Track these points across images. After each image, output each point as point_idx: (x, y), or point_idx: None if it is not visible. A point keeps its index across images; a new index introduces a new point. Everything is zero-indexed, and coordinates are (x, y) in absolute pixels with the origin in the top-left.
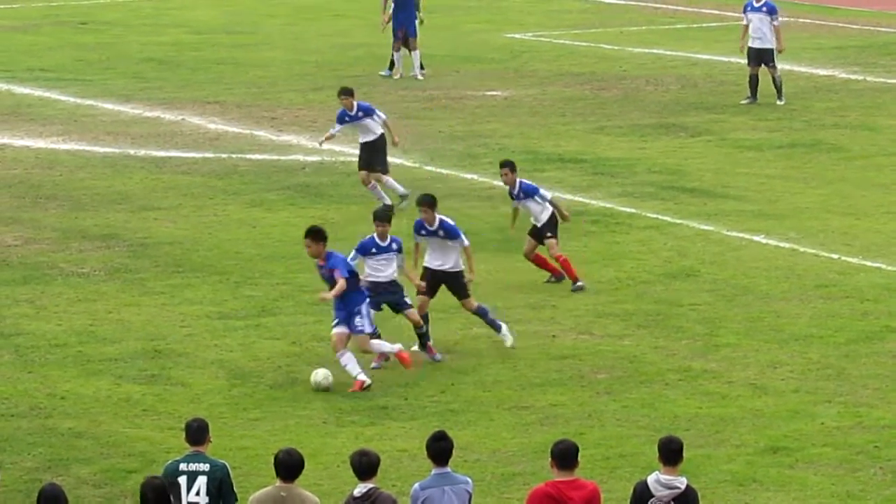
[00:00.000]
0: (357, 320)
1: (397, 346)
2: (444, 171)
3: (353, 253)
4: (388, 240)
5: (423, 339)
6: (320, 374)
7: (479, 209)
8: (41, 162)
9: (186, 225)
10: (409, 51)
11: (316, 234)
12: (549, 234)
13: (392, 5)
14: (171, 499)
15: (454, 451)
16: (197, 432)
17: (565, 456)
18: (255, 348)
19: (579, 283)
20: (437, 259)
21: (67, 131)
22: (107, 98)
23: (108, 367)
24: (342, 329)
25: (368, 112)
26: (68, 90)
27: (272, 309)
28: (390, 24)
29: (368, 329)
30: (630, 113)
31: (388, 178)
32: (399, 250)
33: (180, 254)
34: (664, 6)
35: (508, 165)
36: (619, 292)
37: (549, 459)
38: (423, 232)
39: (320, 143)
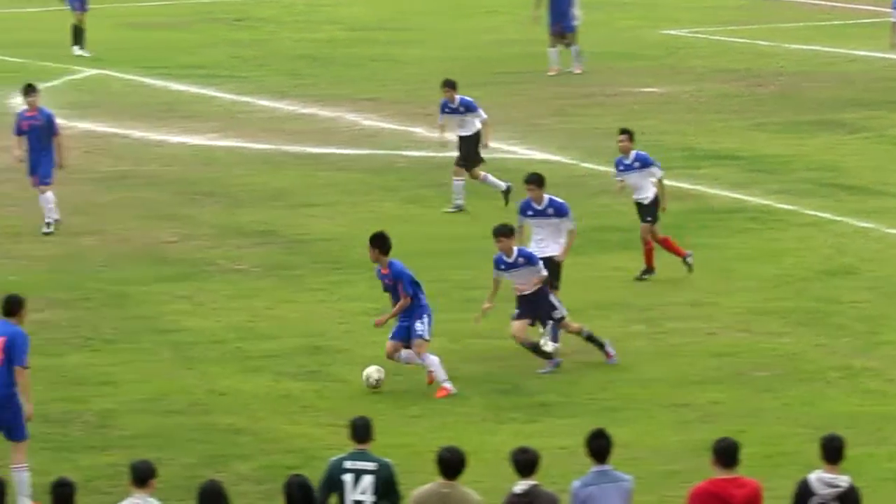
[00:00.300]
0: (418, 325)
1: (446, 380)
2: (601, 168)
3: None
4: (514, 254)
5: (594, 342)
6: (364, 376)
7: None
8: (198, 159)
9: (343, 221)
10: (566, 46)
11: (373, 240)
12: (648, 218)
13: (546, 1)
14: (314, 496)
15: (614, 449)
16: (362, 430)
17: (727, 454)
18: None
19: (646, 276)
20: (544, 245)
21: (224, 128)
22: (262, 95)
23: (267, 364)
24: (394, 342)
25: (470, 108)
26: (224, 87)
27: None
28: (545, 20)
29: (428, 336)
30: (787, 110)
31: (458, 182)
32: (529, 263)
33: (337, 250)
34: (821, 2)
35: (629, 133)
36: (779, 289)
37: (711, 457)
38: (531, 212)
39: (444, 144)
